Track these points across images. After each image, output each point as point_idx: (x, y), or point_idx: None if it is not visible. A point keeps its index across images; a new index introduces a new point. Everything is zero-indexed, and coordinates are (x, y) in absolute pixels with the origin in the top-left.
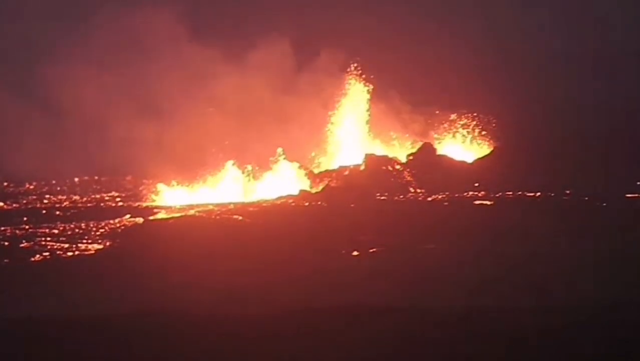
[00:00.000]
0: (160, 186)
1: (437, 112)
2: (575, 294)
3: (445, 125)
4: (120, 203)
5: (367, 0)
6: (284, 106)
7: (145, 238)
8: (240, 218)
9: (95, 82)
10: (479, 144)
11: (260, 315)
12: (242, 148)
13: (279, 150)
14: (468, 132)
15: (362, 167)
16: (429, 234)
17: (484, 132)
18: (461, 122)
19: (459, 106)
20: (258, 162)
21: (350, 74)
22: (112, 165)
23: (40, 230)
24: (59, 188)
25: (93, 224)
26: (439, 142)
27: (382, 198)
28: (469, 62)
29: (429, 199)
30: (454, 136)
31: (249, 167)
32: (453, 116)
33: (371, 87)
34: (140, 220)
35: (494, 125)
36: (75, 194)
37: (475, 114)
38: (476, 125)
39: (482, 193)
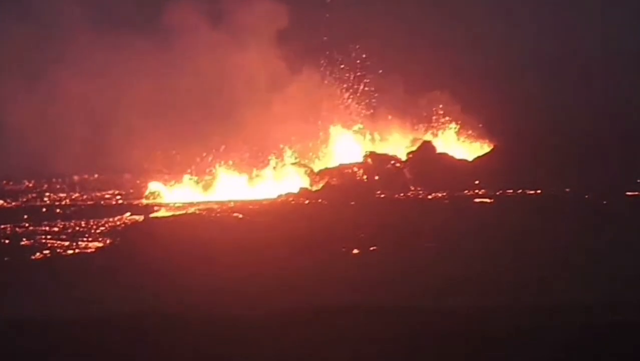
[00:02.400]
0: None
1: (435, 110)
2: (576, 293)
3: (445, 124)
4: (120, 201)
5: None
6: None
7: (146, 236)
8: (241, 215)
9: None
10: (479, 142)
11: (260, 313)
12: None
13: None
14: (468, 130)
15: (361, 168)
16: (429, 233)
17: (483, 130)
18: (461, 121)
19: (458, 104)
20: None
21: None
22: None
23: (41, 228)
24: (58, 186)
25: (93, 222)
26: (439, 141)
27: (382, 195)
28: (469, 61)
29: (429, 197)
30: (454, 134)
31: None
32: (452, 115)
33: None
34: (140, 218)
35: (493, 123)
36: (75, 192)
37: (474, 113)
38: (476, 123)
39: (483, 191)
